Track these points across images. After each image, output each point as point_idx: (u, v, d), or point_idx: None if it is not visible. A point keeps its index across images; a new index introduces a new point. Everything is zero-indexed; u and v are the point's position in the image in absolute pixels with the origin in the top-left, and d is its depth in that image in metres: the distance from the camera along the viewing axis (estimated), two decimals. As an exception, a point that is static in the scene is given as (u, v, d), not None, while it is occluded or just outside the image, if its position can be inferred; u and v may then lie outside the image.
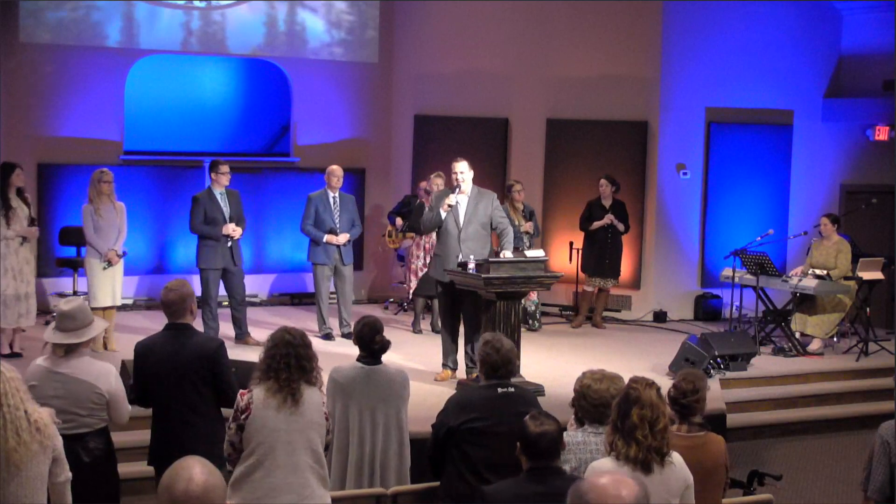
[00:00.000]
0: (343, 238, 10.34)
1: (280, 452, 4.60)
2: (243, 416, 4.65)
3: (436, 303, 10.92)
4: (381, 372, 5.63)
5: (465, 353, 8.65)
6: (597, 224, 11.51)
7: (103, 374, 5.15)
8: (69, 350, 5.12)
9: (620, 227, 11.53)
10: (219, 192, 9.86)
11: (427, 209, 9.05)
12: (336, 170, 10.47)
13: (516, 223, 10.94)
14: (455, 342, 8.78)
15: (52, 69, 11.61)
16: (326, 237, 10.27)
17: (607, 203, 11.59)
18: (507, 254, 8.36)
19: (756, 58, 12.40)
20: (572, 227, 11.87)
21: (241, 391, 4.78)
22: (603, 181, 11.57)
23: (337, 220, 10.33)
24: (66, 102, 11.67)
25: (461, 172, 8.67)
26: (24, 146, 11.23)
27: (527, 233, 11.03)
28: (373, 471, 5.56)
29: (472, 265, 8.23)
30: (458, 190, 8.66)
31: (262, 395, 4.64)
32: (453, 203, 8.63)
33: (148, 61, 12.18)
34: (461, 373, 8.72)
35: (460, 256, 8.52)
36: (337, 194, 10.43)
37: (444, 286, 8.72)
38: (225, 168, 9.89)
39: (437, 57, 13.01)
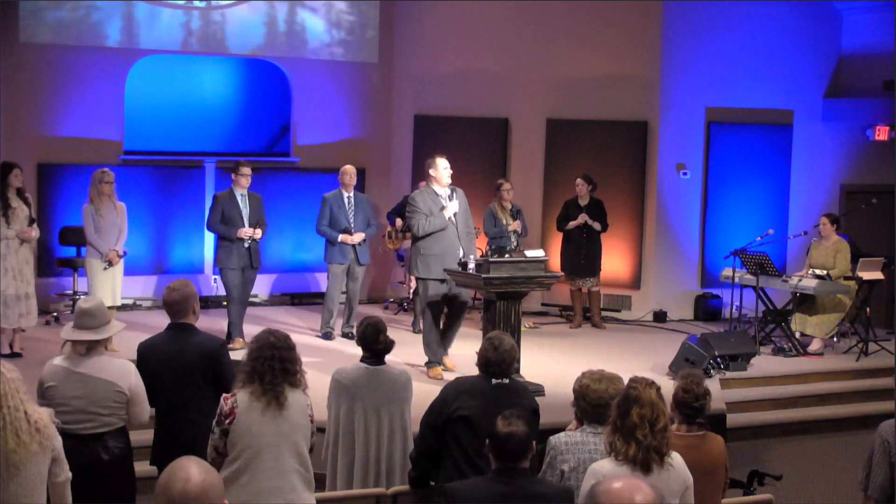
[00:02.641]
0: (358, 237, 10.36)
1: (266, 456, 4.56)
2: (227, 421, 4.60)
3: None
4: (384, 372, 5.63)
5: (443, 348, 9.02)
6: (572, 224, 11.51)
7: (124, 373, 5.11)
8: (89, 348, 5.09)
9: (597, 226, 11.52)
10: (239, 194, 9.88)
11: (418, 212, 8.95)
12: (349, 169, 10.50)
13: (504, 222, 10.97)
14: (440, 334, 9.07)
15: (52, 69, 11.61)
16: (341, 237, 10.29)
17: (584, 202, 11.59)
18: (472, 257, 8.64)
19: (756, 58, 12.40)
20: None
21: (224, 395, 4.73)
22: (579, 180, 11.58)
23: (351, 220, 10.36)
24: (66, 102, 11.67)
25: (448, 168, 8.96)
26: (24, 146, 11.23)
27: (514, 231, 11.02)
28: (378, 471, 5.56)
29: (472, 265, 8.28)
30: (454, 195, 8.87)
31: (247, 399, 4.59)
32: (457, 210, 8.84)
33: (148, 61, 12.18)
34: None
35: (461, 252, 8.69)
36: (352, 194, 10.47)
37: (441, 284, 8.84)
38: (245, 170, 9.88)
39: (437, 57, 13.01)
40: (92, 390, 5.03)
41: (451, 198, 8.89)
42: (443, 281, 8.81)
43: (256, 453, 4.56)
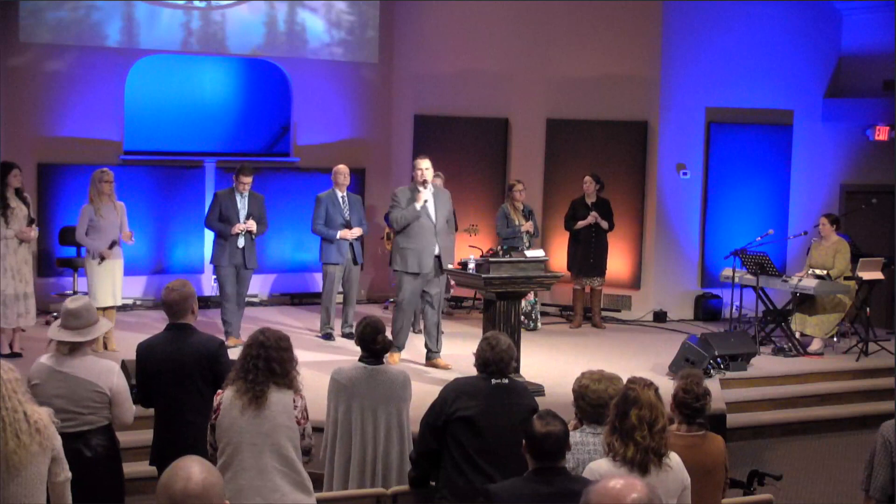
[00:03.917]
0: (357, 232, 10.40)
1: (246, 454, 4.56)
2: (213, 417, 4.66)
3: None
4: (382, 372, 5.63)
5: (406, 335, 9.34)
6: (581, 223, 11.51)
7: (105, 372, 5.13)
8: (73, 348, 5.10)
9: (605, 224, 11.52)
10: (240, 194, 9.90)
11: (396, 206, 9.17)
12: (343, 168, 10.55)
13: (517, 223, 11.01)
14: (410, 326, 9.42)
15: (52, 69, 11.61)
16: (340, 232, 10.31)
17: (591, 201, 11.59)
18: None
19: (756, 58, 12.40)
20: (572, 227, 11.87)
21: (217, 391, 4.77)
22: (587, 178, 11.57)
23: (348, 218, 10.37)
24: (66, 102, 11.67)
25: (427, 169, 9.09)
26: (24, 146, 11.23)
27: (527, 232, 11.08)
28: (375, 471, 5.56)
29: (472, 265, 8.32)
30: (424, 186, 9.07)
31: (231, 396, 4.62)
32: (429, 199, 9.09)
33: (148, 61, 12.18)
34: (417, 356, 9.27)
35: (436, 250, 9.01)
36: (345, 193, 10.49)
37: (416, 278, 9.10)
38: (245, 179, 9.87)
39: (437, 57, 13.01)
40: (72, 390, 5.04)
41: (425, 187, 9.12)
42: (417, 275, 9.06)
43: (237, 451, 4.58)
